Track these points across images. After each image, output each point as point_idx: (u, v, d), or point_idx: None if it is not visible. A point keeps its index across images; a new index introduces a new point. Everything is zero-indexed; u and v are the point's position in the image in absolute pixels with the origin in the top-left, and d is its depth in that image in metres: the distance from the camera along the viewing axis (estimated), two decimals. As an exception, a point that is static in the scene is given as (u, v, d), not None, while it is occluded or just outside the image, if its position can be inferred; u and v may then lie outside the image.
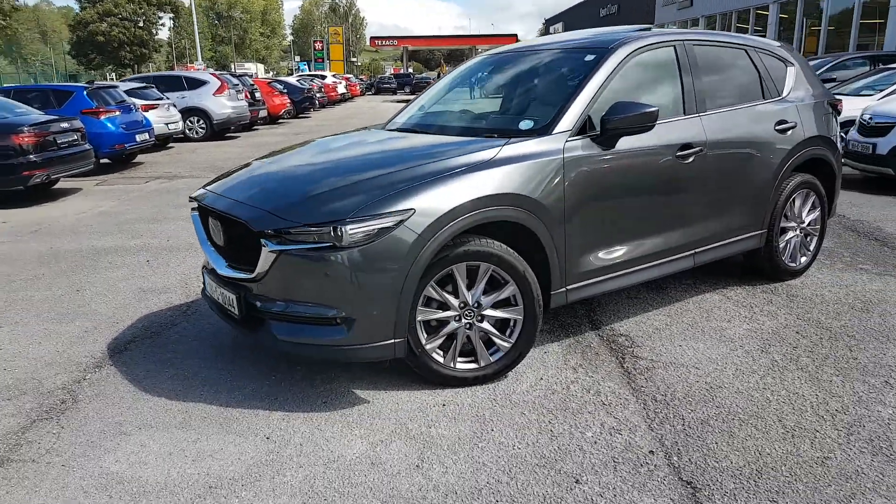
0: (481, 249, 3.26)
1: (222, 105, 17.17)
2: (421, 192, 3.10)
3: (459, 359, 3.40)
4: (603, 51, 3.97)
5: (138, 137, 11.70)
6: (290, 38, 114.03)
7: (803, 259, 5.05)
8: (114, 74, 55.26)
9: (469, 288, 3.32)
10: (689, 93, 4.18)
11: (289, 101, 23.38)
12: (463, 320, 3.34)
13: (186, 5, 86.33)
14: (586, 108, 3.69)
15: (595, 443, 2.88)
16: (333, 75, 41.53)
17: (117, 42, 60.52)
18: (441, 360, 3.35)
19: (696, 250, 4.25)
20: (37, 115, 9.12)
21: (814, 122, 4.81)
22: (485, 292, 3.37)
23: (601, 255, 3.76)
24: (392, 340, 3.10)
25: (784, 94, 4.76)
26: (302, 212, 3.09)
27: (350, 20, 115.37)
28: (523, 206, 3.36)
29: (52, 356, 3.95)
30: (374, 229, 2.98)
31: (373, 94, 54.63)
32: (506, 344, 3.44)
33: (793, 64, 4.93)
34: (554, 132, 3.59)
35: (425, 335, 3.30)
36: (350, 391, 3.42)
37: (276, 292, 3.16)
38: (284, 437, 2.99)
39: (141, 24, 63.62)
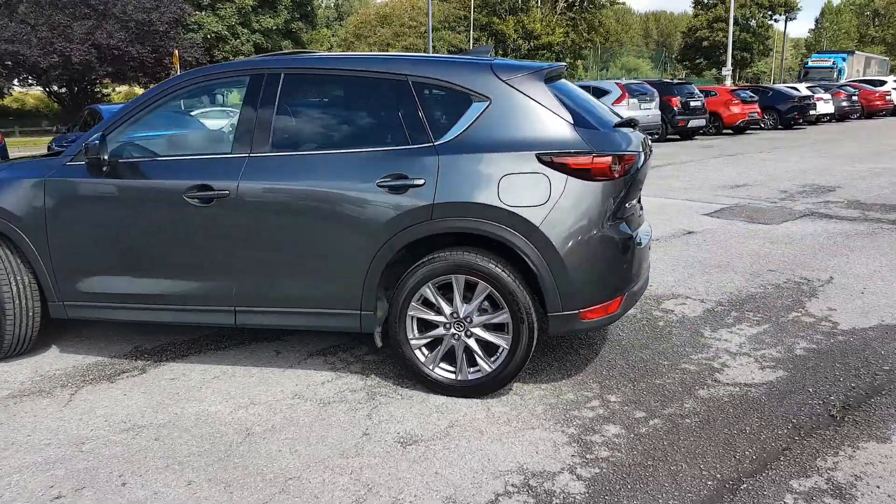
0: None
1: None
2: None
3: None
4: (166, 82, 3.93)
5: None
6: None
7: (475, 375, 3.50)
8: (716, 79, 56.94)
9: None
10: (247, 131, 3.67)
11: (757, 109, 21.25)
12: None
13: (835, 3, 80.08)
14: (98, 133, 3.71)
15: None
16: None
17: (722, 46, 62.22)
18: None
19: (239, 308, 3.74)
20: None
21: (469, 182, 3.36)
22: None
23: (99, 281, 3.86)
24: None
25: (437, 140, 3.44)
26: None
27: None
28: (2, 217, 3.84)
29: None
30: None
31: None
32: None
33: (485, 100, 3.43)
34: (69, 155, 3.88)
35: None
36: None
37: None
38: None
39: (753, 25, 63.65)
